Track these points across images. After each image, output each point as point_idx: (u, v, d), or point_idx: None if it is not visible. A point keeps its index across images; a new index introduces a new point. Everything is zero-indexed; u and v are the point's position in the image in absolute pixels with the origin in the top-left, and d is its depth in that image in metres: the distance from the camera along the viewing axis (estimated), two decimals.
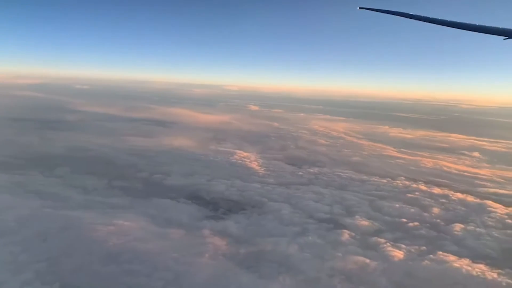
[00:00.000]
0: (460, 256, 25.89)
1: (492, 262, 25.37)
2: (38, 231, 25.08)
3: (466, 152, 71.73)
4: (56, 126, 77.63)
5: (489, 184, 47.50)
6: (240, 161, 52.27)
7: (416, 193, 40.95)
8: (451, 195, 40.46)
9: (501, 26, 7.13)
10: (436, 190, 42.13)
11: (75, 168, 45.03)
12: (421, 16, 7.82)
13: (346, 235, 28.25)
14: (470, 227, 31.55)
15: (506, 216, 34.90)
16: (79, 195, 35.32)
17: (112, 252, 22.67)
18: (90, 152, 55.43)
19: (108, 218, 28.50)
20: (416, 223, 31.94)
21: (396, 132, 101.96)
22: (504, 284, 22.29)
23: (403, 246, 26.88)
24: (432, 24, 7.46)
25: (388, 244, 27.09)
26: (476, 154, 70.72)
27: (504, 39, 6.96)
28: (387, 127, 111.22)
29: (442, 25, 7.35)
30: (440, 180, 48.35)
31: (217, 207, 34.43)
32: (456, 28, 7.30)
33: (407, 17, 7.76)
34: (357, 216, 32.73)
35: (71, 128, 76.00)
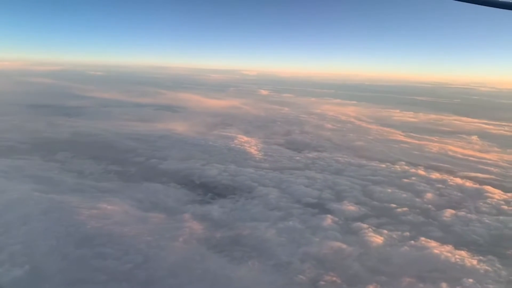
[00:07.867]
0: (443, 242, 25.25)
1: (476, 249, 24.72)
2: (21, 214, 25.64)
3: (476, 137, 69.59)
4: (65, 112, 79.00)
5: (492, 169, 46.07)
6: (239, 146, 52.09)
7: (413, 178, 40.01)
8: (449, 180, 39.46)
9: None
10: (435, 175, 41.12)
11: (76, 153, 45.86)
12: None
13: (329, 220, 27.87)
14: (461, 213, 30.70)
15: (502, 202, 33.80)
16: (72, 179, 35.95)
17: (88, 235, 23.02)
18: (93, 137, 56.30)
19: (94, 201, 28.92)
20: (405, 209, 31.28)
21: (407, 116, 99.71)
22: (482, 271, 21.65)
23: (385, 231, 26.37)
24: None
25: (370, 229, 26.61)
26: (486, 138, 68.52)
27: None
28: (398, 111, 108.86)
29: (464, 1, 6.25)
30: (442, 164, 47.19)
31: (207, 192, 34.46)
32: (478, 4, 6.17)
33: None
34: (345, 201, 32.22)
35: (78, 114, 77.21)
